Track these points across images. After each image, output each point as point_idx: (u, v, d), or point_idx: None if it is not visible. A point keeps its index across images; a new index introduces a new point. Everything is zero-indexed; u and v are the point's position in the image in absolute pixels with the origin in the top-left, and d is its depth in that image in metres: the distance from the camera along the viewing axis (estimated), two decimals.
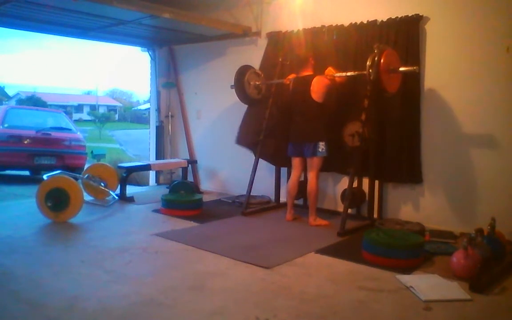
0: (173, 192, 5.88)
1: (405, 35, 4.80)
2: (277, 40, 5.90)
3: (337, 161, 5.16)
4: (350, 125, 4.93)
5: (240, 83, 5.51)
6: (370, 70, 4.38)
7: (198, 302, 2.84)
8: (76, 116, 38.02)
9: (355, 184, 4.91)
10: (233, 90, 5.61)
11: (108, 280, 3.18)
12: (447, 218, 4.72)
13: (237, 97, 5.68)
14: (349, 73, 4.78)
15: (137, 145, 19.60)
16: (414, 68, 4.44)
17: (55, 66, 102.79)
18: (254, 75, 5.62)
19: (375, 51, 4.39)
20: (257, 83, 5.59)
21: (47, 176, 5.20)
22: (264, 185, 6.00)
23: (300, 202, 5.54)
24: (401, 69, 4.50)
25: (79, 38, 7.06)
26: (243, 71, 5.54)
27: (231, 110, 6.48)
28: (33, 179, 8.50)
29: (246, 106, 6.01)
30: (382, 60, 4.34)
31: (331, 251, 3.96)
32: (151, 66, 7.81)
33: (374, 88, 4.48)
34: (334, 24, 5.35)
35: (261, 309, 2.73)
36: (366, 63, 4.42)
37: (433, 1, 4.74)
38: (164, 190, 6.46)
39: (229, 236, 4.44)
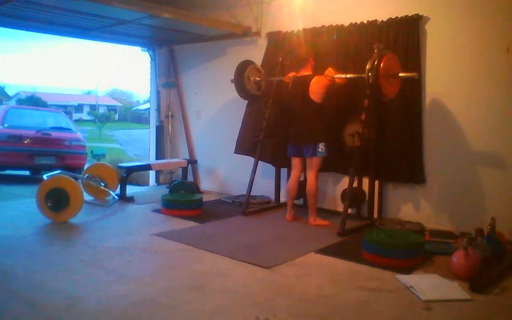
0: (173, 192, 5.87)
1: (405, 35, 4.79)
2: (277, 40, 5.89)
3: (337, 161, 5.16)
4: (350, 125, 4.93)
5: (240, 78, 5.51)
6: (369, 74, 4.36)
7: (198, 302, 2.84)
8: (76, 116, 38.03)
9: (355, 184, 4.91)
10: (233, 89, 5.61)
11: (108, 280, 3.18)
12: (447, 218, 4.72)
13: (237, 96, 5.68)
14: (348, 75, 4.76)
15: (137, 145, 19.62)
16: (414, 74, 4.41)
17: (55, 66, 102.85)
18: (254, 70, 5.62)
19: (375, 52, 4.38)
20: (257, 79, 5.59)
21: (47, 176, 5.20)
22: (264, 185, 6.00)
23: (300, 202, 5.54)
24: (401, 75, 4.47)
25: (79, 38, 7.06)
26: (244, 66, 5.54)
27: (231, 110, 6.47)
28: (33, 179, 8.48)
29: (246, 106, 6.02)
30: (381, 65, 4.31)
31: (331, 251, 3.96)
32: (151, 66, 7.81)
33: (372, 92, 4.47)
34: (334, 24, 5.34)
35: (261, 309, 2.73)
36: (366, 63, 4.41)
37: (433, 1, 4.74)
38: (164, 190, 6.46)
39: (229, 236, 4.44)
